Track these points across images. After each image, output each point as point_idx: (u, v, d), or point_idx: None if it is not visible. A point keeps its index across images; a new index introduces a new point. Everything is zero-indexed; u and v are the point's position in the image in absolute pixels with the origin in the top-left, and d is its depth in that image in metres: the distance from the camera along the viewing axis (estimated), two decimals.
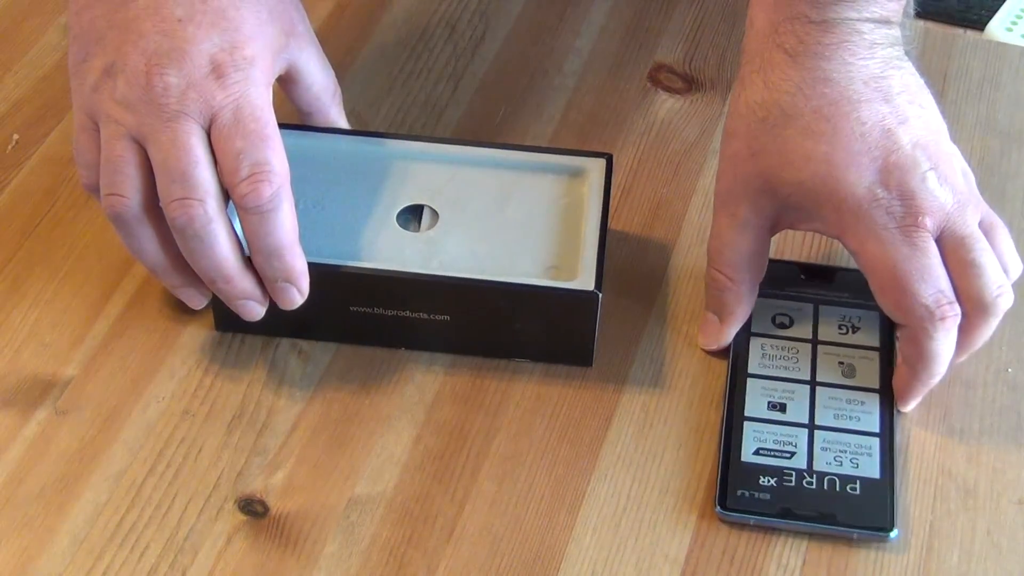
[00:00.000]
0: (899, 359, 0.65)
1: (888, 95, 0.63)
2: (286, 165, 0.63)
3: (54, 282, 0.70)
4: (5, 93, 0.80)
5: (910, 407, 0.65)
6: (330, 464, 0.63)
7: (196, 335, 0.68)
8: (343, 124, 0.73)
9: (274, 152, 0.62)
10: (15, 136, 0.77)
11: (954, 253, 0.62)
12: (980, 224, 0.63)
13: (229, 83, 0.62)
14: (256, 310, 0.64)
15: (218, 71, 0.62)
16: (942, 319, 0.62)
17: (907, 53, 0.65)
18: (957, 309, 0.62)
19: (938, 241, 0.62)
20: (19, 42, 0.83)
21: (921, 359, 0.63)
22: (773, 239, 0.67)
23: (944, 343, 0.63)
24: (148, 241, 0.63)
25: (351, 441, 0.64)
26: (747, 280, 0.66)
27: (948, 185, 0.62)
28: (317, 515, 0.62)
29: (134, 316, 0.69)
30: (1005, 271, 0.64)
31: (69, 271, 0.71)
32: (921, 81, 0.65)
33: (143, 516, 0.61)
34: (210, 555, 0.60)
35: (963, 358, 0.65)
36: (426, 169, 0.70)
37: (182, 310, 0.68)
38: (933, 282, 0.62)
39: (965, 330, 0.63)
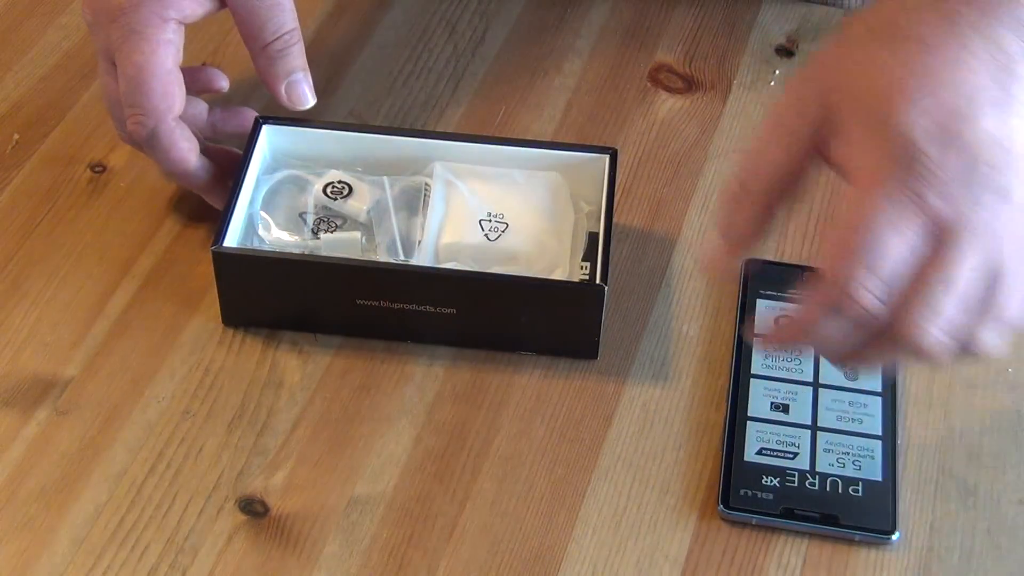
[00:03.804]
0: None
1: (1005, 72, 0.53)
2: (167, 99, 0.66)
3: (54, 282, 0.70)
4: (5, 93, 0.80)
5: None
6: (330, 464, 0.63)
7: (196, 335, 0.68)
8: (278, 88, 0.70)
9: (146, 95, 0.66)
10: (15, 136, 0.77)
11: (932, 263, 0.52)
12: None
13: (120, 24, 0.66)
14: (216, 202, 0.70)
15: (115, 11, 0.66)
16: (848, 295, 0.52)
17: None
18: (876, 303, 0.52)
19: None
20: (19, 42, 0.83)
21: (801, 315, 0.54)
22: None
23: (833, 321, 0.53)
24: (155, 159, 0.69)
25: (351, 441, 0.64)
26: (763, 194, 0.56)
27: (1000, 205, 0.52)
28: (317, 515, 0.62)
29: (134, 316, 0.69)
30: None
31: (69, 271, 0.71)
32: None
33: (143, 516, 0.61)
34: (210, 555, 0.60)
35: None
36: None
37: (183, 308, 0.68)
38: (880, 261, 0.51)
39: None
